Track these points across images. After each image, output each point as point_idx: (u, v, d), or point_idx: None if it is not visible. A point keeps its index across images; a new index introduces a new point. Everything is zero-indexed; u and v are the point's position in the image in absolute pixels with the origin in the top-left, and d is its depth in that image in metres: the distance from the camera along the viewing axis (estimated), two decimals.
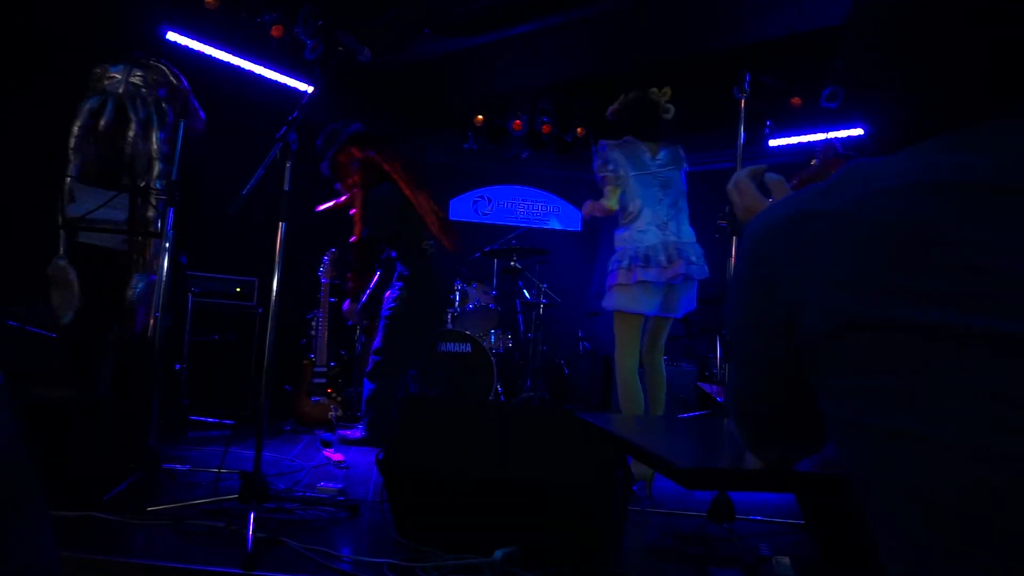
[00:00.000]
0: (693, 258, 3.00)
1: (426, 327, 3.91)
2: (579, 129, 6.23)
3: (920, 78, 0.64)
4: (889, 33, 0.66)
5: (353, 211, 3.59)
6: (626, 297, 2.96)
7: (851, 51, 0.71)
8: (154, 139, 2.86)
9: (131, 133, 2.84)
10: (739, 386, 0.76)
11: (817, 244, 0.61)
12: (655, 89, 3.21)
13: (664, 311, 3.04)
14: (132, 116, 2.85)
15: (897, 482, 0.55)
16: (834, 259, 0.59)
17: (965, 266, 0.53)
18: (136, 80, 2.91)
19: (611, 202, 3.04)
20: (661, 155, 3.12)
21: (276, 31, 4.54)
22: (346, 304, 3.87)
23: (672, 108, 3.22)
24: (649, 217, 3.02)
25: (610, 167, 3.04)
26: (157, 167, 2.84)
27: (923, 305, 0.53)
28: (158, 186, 2.80)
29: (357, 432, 3.73)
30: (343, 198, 3.76)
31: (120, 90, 2.88)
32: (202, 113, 3.24)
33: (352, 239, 3.60)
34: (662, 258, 2.93)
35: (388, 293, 3.75)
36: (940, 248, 0.54)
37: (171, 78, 3.04)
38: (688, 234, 3.10)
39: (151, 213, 2.78)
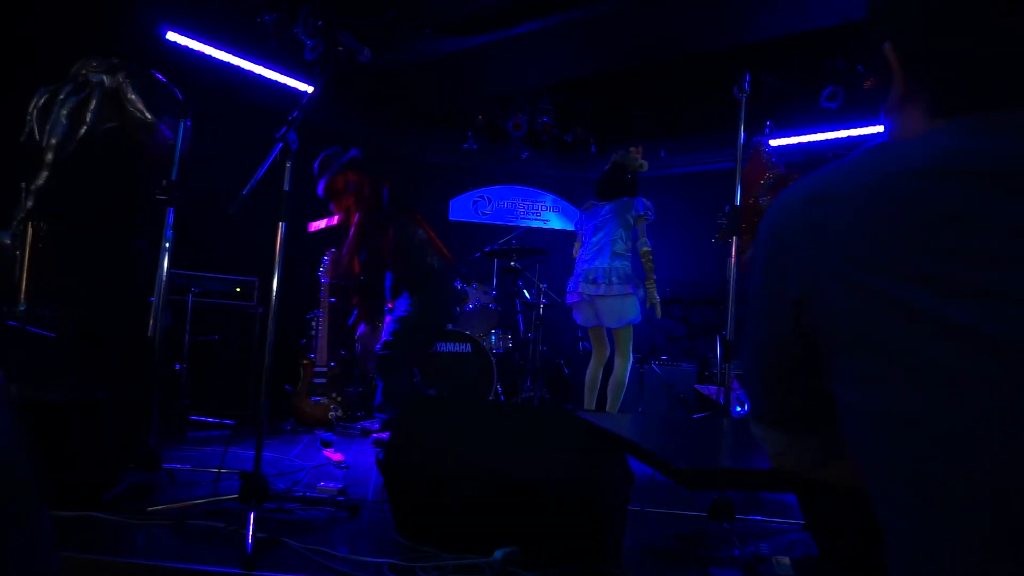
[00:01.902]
0: (600, 279, 3.97)
1: (432, 333, 4.10)
2: (578, 128, 6.23)
3: (944, 62, 0.64)
4: (914, 17, 0.66)
5: (352, 232, 3.66)
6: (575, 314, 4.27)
7: (876, 30, 0.71)
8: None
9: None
10: (751, 369, 0.76)
11: (832, 226, 0.61)
12: (633, 149, 4.26)
13: (599, 321, 4.12)
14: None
15: (904, 467, 0.55)
16: (849, 241, 0.59)
17: (979, 251, 0.53)
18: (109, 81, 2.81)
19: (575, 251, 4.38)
20: (606, 208, 4.16)
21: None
22: (361, 328, 3.99)
23: (646, 164, 4.28)
24: (581, 253, 4.22)
25: (576, 225, 4.40)
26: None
27: (936, 289, 0.54)
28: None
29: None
30: (335, 219, 3.84)
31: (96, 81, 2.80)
32: (161, 133, 3.07)
33: (356, 270, 3.72)
34: (579, 284, 4.09)
35: (399, 302, 3.82)
36: (955, 232, 0.54)
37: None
38: (602, 261, 4.02)
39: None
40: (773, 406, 0.75)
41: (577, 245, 4.35)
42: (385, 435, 3.79)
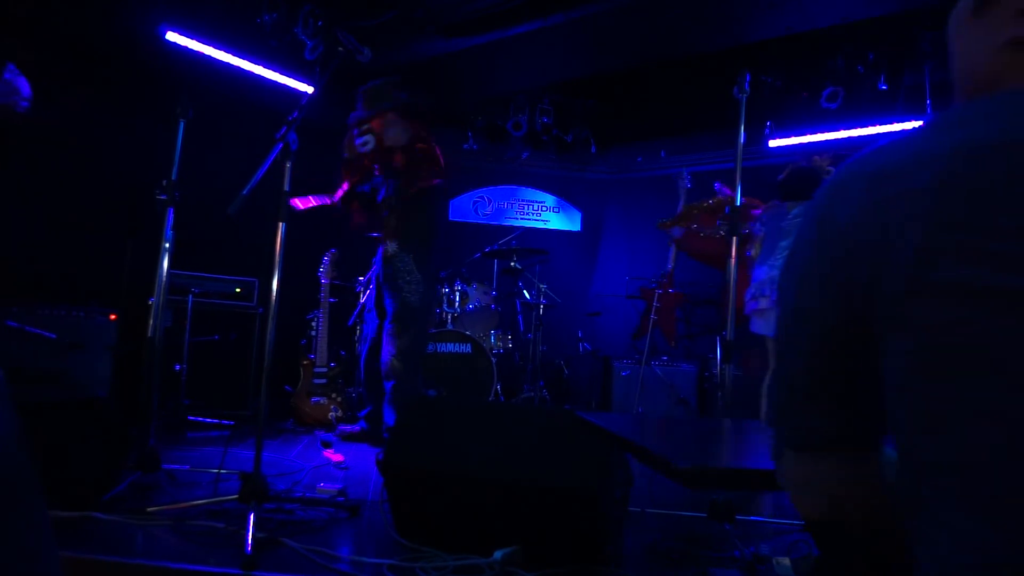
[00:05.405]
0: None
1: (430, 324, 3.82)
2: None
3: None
4: None
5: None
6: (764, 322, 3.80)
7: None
8: None
9: None
10: (788, 363, 0.72)
11: (897, 202, 0.61)
12: (816, 157, 3.92)
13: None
14: None
15: (957, 440, 0.57)
16: (914, 217, 0.59)
17: None
18: None
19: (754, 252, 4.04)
20: (795, 211, 3.79)
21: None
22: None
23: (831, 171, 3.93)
24: (765, 257, 3.82)
25: (756, 226, 3.99)
26: None
27: (1006, 268, 0.55)
28: None
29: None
30: (335, 196, 3.71)
31: None
32: (24, 89, 2.82)
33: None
34: (768, 291, 3.71)
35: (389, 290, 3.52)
36: (1014, 211, 0.55)
37: None
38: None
39: None
40: (809, 419, 0.71)
41: (757, 247, 3.98)
42: (349, 427, 3.76)
